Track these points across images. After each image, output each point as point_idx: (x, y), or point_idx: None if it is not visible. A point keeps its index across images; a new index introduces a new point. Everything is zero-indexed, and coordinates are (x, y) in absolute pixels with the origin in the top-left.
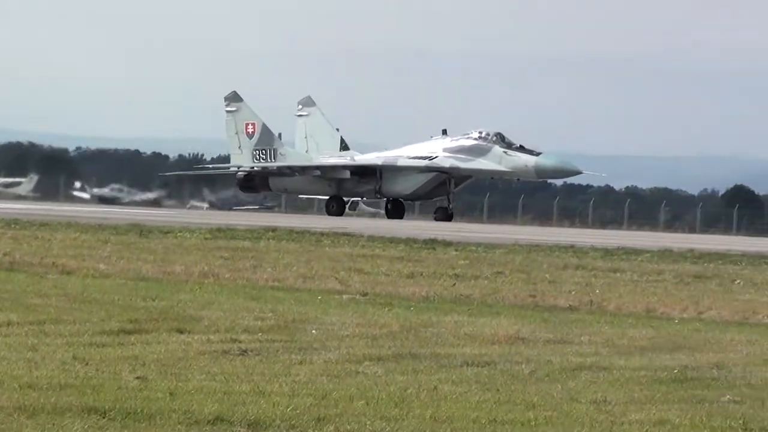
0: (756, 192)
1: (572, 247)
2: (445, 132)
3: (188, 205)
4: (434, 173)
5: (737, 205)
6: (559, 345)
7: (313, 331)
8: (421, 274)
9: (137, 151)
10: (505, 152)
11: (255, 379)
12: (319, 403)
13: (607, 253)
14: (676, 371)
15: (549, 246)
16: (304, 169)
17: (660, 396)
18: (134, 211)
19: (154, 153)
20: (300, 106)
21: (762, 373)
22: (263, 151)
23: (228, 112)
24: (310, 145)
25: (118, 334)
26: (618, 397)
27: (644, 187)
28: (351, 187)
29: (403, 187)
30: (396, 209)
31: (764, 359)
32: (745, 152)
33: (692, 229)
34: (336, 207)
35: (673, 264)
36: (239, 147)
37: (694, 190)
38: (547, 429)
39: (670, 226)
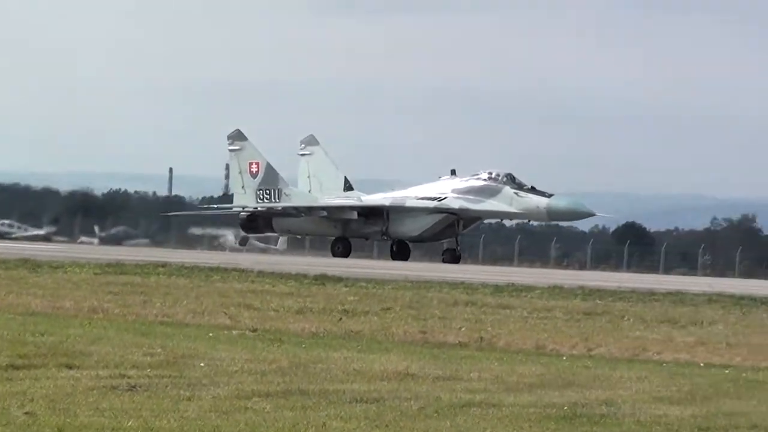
0: (647, 228)
1: (462, 283)
2: (453, 172)
3: (78, 241)
4: (443, 214)
5: (628, 242)
6: (449, 381)
7: (202, 365)
8: (311, 310)
9: (27, 186)
10: (516, 193)
11: (143, 415)
12: None
13: (498, 289)
14: (565, 408)
15: (439, 282)
16: (310, 210)
17: None
18: (24, 246)
19: (44, 188)
20: (302, 145)
21: (651, 410)
22: (267, 191)
23: (231, 150)
24: (314, 185)
25: (6, 369)
26: None
27: (535, 223)
28: (357, 228)
29: (411, 228)
30: (401, 251)
31: (653, 396)
32: (636, 188)
33: (583, 266)
34: (342, 248)
35: (564, 300)
36: (242, 186)
37: (584, 227)
38: None
39: (561, 262)
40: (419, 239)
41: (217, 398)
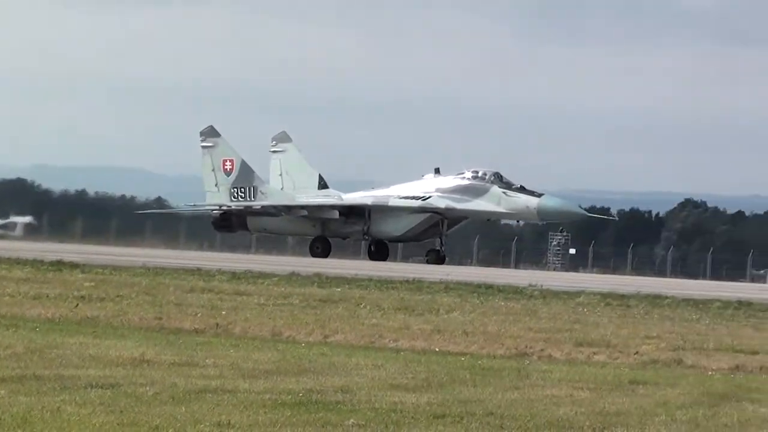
0: None
1: (199, 270)
2: (437, 171)
3: None
4: (428, 214)
5: None
6: (184, 367)
7: None
8: (47, 296)
9: None
10: (505, 193)
11: None
12: None
13: (235, 276)
14: (301, 395)
15: (176, 269)
16: (289, 209)
17: (284, 419)
18: None
19: None
20: (274, 142)
21: (387, 397)
22: (242, 189)
23: (204, 147)
24: (286, 183)
25: None
26: (242, 420)
27: None
28: (337, 227)
29: (394, 228)
30: (380, 251)
31: (389, 383)
32: (372, 177)
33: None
34: (321, 248)
35: (301, 288)
36: (216, 184)
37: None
38: None
39: (298, 250)
40: (402, 239)
41: None
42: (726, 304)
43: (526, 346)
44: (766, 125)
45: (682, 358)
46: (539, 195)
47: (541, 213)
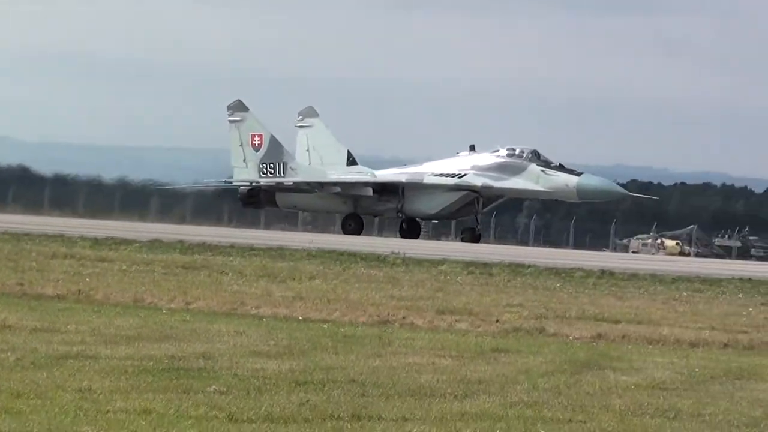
0: None
1: (62, 236)
2: (473, 148)
3: None
4: (463, 192)
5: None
6: (46, 333)
7: None
8: None
9: None
10: (543, 171)
11: None
12: None
13: (97, 242)
14: (163, 361)
15: (38, 235)
16: (321, 185)
17: (146, 385)
18: None
19: None
20: (300, 117)
21: (248, 363)
22: (271, 165)
23: (231, 122)
24: (314, 159)
25: None
26: (103, 386)
27: (136, 179)
28: (369, 205)
29: (428, 206)
30: (411, 229)
31: (251, 350)
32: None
33: (183, 220)
34: (354, 226)
35: (163, 254)
36: (244, 160)
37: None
38: (33, 417)
39: (162, 217)
40: (436, 217)
41: None
42: (588, 273)
43: (389, 314)
44: (629, 96)
45: (545, 326)
46: (579, 173)
47: (581, 192)
